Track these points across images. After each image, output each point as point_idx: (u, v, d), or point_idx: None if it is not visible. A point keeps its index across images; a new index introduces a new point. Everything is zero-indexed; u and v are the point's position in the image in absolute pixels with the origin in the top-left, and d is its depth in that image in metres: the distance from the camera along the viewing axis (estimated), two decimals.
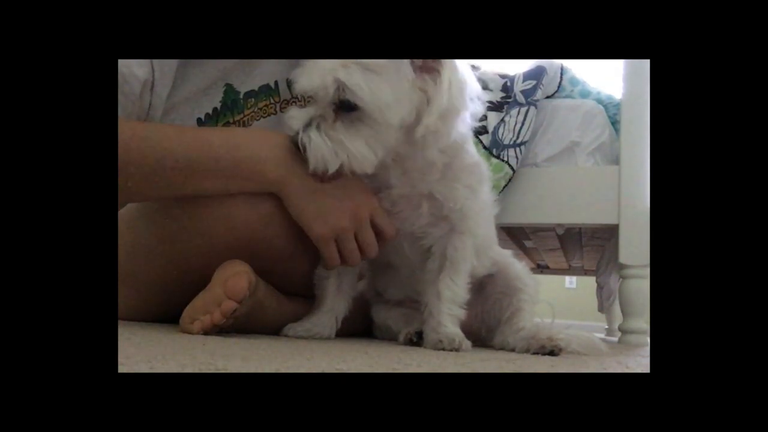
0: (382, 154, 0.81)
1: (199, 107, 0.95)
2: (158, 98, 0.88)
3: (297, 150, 0.81)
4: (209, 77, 0.95)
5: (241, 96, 0.99)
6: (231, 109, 0.98)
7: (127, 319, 0.95)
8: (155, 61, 0.85)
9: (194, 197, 0.84)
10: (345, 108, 0.79)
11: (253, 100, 1.01)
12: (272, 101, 1.03)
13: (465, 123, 0.84)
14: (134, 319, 0.95)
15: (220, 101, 0.97)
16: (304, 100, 0.99)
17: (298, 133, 0.80)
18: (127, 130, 0.78)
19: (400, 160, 0.86)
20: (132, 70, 0.83)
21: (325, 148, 0.79)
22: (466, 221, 0.89)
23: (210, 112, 0.96)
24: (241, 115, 1.00)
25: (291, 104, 1.05)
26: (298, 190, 0.84)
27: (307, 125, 0.80)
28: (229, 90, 0.98)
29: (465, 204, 0.88)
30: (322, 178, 0.82)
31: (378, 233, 0.88)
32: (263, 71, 1.01)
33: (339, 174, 0.81)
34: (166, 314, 0.93)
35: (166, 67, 0.87)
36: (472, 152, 0.92)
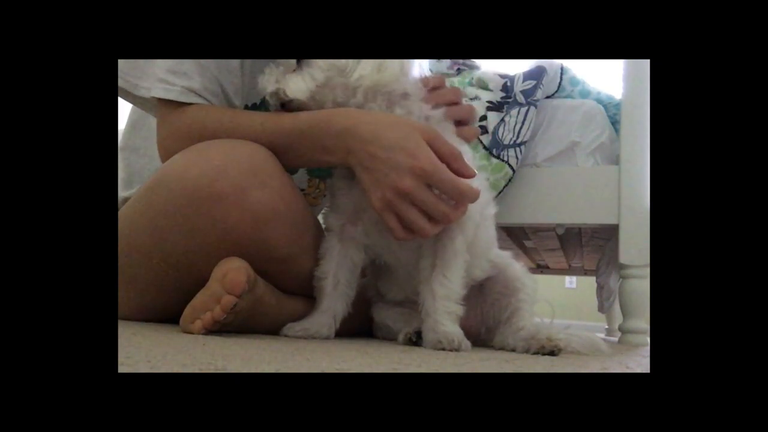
0: (312, 83, 0.89)
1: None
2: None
3: None
4: None
5: None
6: None
7: (127, 319, 0.95)
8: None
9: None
10: None
11: None
12: None
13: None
14: (134, 319, 0.95)
15: None
16: None
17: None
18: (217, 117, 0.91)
19: None
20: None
21: (270, 77, 0.91)
22: None
23: (258, 102, 1.05)
24: None
25: None
26: (357, 162, 0.87)
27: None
28: None
29: None
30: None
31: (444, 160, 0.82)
32: None
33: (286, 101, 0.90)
34: (167, 314, 0.93)
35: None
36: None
